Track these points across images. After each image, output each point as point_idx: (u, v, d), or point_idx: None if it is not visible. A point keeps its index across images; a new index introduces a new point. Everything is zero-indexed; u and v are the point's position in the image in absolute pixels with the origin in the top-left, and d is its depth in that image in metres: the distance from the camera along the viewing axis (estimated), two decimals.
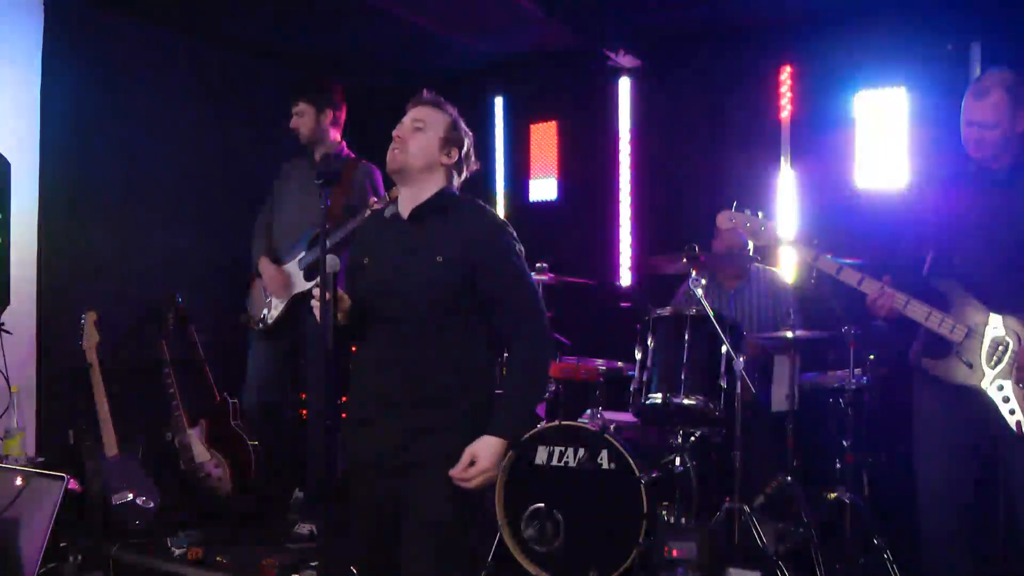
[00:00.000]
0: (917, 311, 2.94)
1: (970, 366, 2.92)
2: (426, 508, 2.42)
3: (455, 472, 2.37)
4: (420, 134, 2.52)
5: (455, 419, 2.45)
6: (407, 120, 2.56)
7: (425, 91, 2.61)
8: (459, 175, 2.61)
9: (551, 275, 4.15)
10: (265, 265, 4.31)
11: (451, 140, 2.55)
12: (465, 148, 2.59)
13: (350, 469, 2.57)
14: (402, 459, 2.44)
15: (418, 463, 2.43)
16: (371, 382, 2.52)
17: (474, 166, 2.65)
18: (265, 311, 4.32)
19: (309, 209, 4.16)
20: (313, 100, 4.26)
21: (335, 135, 4.34)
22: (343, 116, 4.37)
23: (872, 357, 3.78)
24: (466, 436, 2.42)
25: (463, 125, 2.61)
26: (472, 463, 2.37)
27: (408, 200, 2.56)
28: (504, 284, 2.49)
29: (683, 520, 3.61)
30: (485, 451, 2.38)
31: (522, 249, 2.56)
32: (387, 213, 2.62)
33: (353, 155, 4.34)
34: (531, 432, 3.73)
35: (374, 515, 2.51)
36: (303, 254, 4.21)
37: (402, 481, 2.45)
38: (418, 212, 2.53)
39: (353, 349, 2.63)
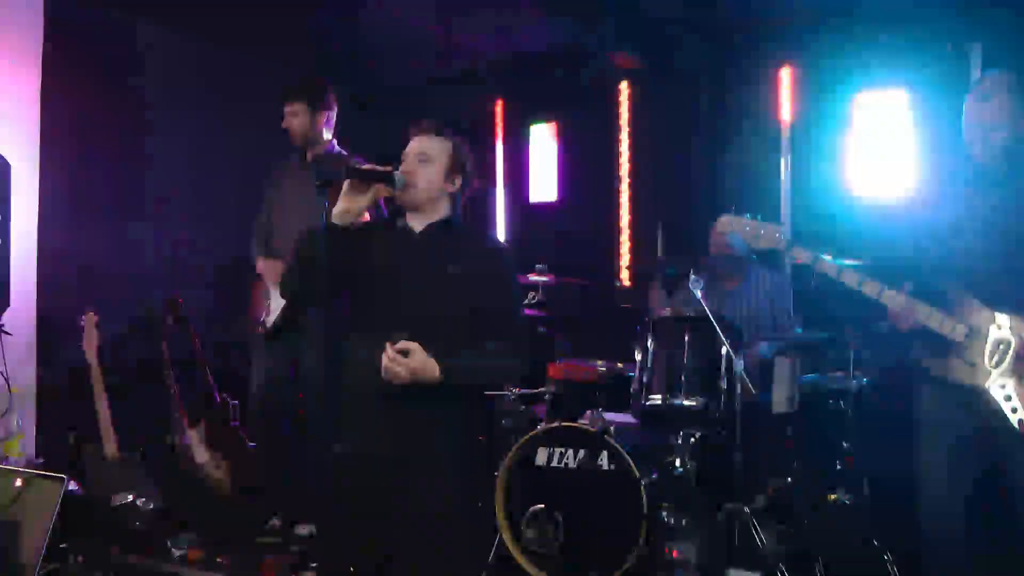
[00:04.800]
0: (918, 311, 2.93)
1: (972, 366, 2.91)
2: (422, 501, 2.51)
3: (391, 349, 2.40)
4: (426, 167, 2.60)
5: (449, 418, 2.55)
6: (412, 153, 2.63)
7: (425, 121, 2.67)
8: (463, 197, 2.71)
9: (551, 275, 4.14)
10: (261, 262, 4.33)
11: (455, 168, 2.64)
12: (467, 173, 2.68)
13: (343, 462, 2.62)
14: (399, 451, 2.52)
15: (414, 457, 2.52)
16: (372, 376, 2.55)
17: (475, 186, 2.73)
18: (264, 315, 4.32)
19: (306, 209, 4.14)
20: (308, 100, 4.25)
21: (328, 135, 4.34)
22: (335, 116, 4.37)
23: (871, 358, 3.78)
24: (458, 436, 2.56)
25: (464, 148, 2.68)
26: (406, 354, 2.40)
27: (415, 222, 2.66)
28: (504, 306, 2.64)
29: (683, 521, 3.60)
30: (423, 357, 2.42)
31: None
32: (398, 224, 2.70)
33: (345, 153, 4.33)
34: (531, 433, 3.73)
35: (369, 510, 2.56)
36: None
37: (398, 474, 2.52)
38: (430, 230, 2.64)
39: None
